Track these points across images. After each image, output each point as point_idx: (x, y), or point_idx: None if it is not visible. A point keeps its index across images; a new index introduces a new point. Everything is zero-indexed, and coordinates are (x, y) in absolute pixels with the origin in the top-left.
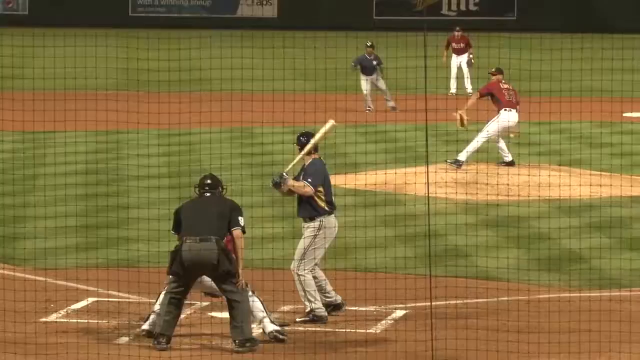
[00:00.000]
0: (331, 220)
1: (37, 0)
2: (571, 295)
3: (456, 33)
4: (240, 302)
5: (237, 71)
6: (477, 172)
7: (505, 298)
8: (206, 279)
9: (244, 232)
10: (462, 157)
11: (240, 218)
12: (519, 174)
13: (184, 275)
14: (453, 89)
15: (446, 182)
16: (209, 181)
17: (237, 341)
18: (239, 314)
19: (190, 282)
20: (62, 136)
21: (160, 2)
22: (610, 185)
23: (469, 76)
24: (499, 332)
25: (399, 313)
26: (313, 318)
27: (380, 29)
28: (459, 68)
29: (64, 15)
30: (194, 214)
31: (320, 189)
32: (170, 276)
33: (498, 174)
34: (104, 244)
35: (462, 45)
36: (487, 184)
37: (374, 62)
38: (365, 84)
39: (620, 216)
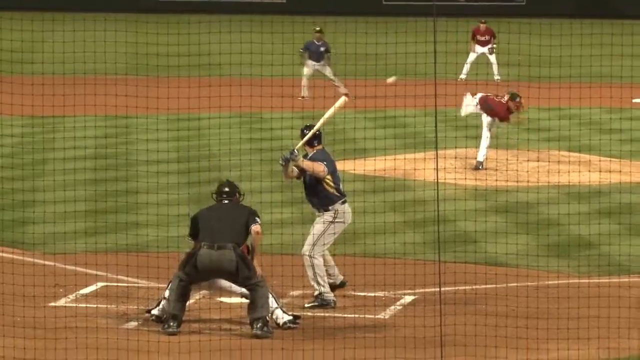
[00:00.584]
0: (345, 208)
1: None
2: (580, 281)
3: (481, 25)
4: (260, 286)
5: (246, 56)
6: (486, 158)
7: (514, 284)
8: (218, 284)
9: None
10: (480, 158)
11: (257, 218)
12: (528, 160)
13: (196, 277)
14: (463, 75)
15: (455, 167)
16: (226, 189)
17: (258, 324)
18: (260, 296)
19: (202, 281)
20: (71, 121)
21: None
22: (620, 171)
23: (496, 63)
24: (508, 318)
25: (408, 299)
26: (321, 302)
27: (389, 14)
28: (480, 56)
29: (74, 0)
30: (212, 221)
31: (329, 176)
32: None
33: (507, 159)
34: (113, 228)
35: (487, 37)
36: (496, 169)
37: (322, 49)
38: (307, 70)
39: (630, 202)
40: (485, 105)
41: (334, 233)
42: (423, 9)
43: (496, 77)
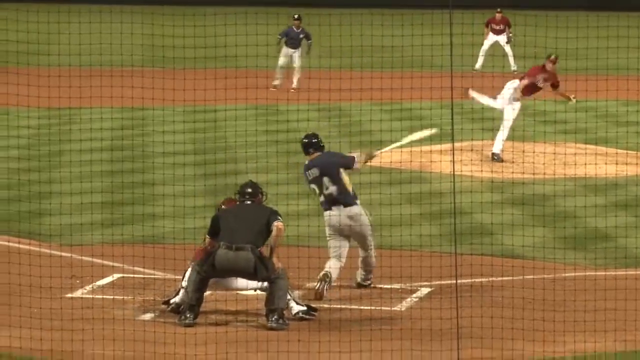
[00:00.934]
0: (329, 213)
1: None
2: (597, 273)
3: (497, 14)
4: (281, 278)
5: (262, 48)
6: (502, 150)
7: (531, 276)
8: (234, 284)
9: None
10: (496, 149)
11: (279, 217)
12: (544, 152)
13: (214, 275)
14: (478, 66)
15: (472, 159)
16: (249, 189)
17: (274, 316)
18: (279, 289)
19: (221, 277)
20: (87, 112)
21: None
22: (637, 163)
23: (511, 54)
24: (524, 310)
25: (424, 291)
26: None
27: (405, 6)
28: (495, 46)
29: None
30: (232, 221)
31: (313, 186)
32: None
33: (524, 151)
34: (129, 220)
35: (502, 26)
36: (512, 162)
37: (301, 36)
38: (283, 59)
39: None
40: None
41: (329, 238)
42: (438, 1)
43: (513, 68)
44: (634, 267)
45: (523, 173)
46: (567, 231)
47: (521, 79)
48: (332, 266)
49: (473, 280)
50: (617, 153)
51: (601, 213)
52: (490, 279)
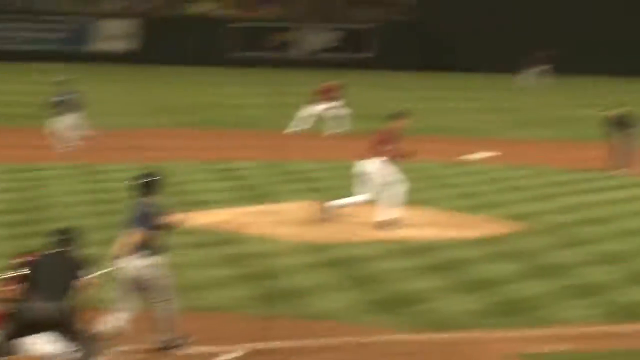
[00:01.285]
0: None
1: None
2: (405, 337)
3: (325, 84)
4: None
5: (92, 106)
6: (320, 213)
7: (343, 338)
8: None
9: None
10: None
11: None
12: (360, 215)
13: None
14: (298, 127)
15: (289, 221)
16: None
17: None
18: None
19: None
20: None
21: (15, 35)
22: (456, 225)
23: (335, 117)
24: None
25: (238, 353)
26: None
27: (234, 64)
28: (325, 111)
29: None
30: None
31: None
32: None
33: (344, 214)
34: None
35: (330, 94)
36: (331, 224)
37: (68, 97)
38: (59, 122)
39: (461, 258)
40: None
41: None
42: (268, 62)
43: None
44: (445, 329)
45: (341, 235)
46: (378, 294)
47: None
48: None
49: (285, 342)
50: (436, 215)
51: (414, 276)
52: (303, 340)
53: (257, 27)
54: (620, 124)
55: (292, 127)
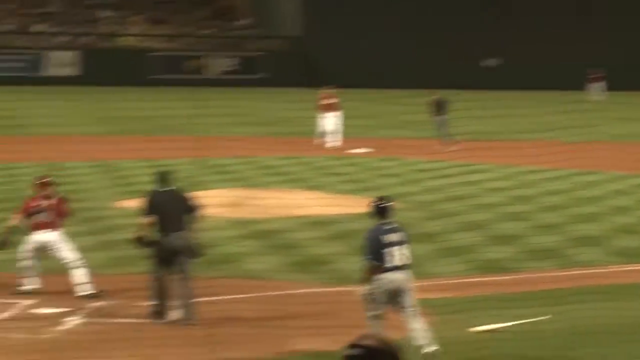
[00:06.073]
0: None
1: None
2: (318, 290)
3: (325, 91)
4: None
5: (48, 118)
6: (241, 196)
7: (269, 293)
8: None
9: None
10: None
11: None
12: (274, 198)
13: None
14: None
15: (218, 204)
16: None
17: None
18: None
19: None
20: None
21: None
22: (347, 205)
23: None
24: (263, 320)
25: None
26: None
27: (155, 84)
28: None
29: None
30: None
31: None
32: None
33: (257, 198)
34: None
35: (332, 101)
36: (249, 205)
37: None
38: None
39: (353, 229)
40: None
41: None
42: (183, 82)
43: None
44: (344, 284)
45: (257, 214)
46: (294, 258)
47: None
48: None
49: (224, 297)
50: (331, 197)
51: (321, 243)
52: (238, 295)
53: (175, 55)
54: (438, 107)
55: (331, 142)
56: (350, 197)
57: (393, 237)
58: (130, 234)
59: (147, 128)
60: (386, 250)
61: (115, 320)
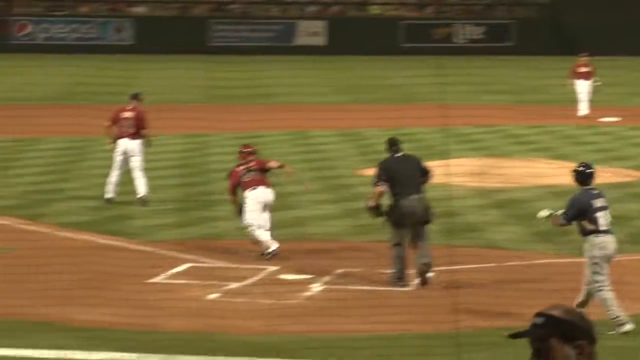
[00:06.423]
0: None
1: (143, 32)
2: (559, 260)
3: (581, 59)
4: None
5: (295, 87)
6: (486, 165)
7: (511, 263)
8: None
9: None
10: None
11: None
12: (519, 167)
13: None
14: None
15: (462, 173)
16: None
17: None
18: None
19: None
20: (160, 139)
21: (232, 34)
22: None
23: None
24: (504, 290)
25: (427, 275)
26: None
27: (405, 53)
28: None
29: (159, 46)
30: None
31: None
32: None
33: (502, 167)
34: (196, 221)
35: (588, 69)
36: (493, 174)
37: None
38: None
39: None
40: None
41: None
42: (433, 50)
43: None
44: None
45: (502, 183)
46: (536, 228)
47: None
48: None
49: (465, 266)
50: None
51: None
52: (478, 265)
53: (423, 24)
54: None
55: (581, 111)
56: (597, 167)
57: (600, 202)
58: (365, 203)
59: (392, 97)
60: (597, 214)
61: (357, 287)
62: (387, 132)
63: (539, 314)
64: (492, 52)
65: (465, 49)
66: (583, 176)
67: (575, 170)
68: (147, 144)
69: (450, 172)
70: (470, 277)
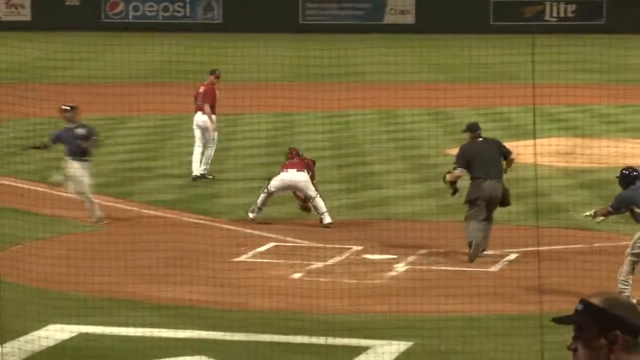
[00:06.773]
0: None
1: (232, 11)
2: None
3: None
4: None
5: (384, 65)
6: (574, 145)
7: (598, 244)
8: None
9: None
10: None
11: None
12: (607, 147)
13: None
14: None
15: (550, 152)
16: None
17: None
18: None
19: None
20: (247, 118)
21: (322, 12)
22: None
23: None
24: (593, 271)
25: (512, 256)
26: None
27: (495, 32)
28: None
29: (248, 24)
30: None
31: None
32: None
33: (591, 146)
34: (281, 200)
35: None
36: (582, 154)
37: (80, 131)
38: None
39: None
40: None
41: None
42: (523, 29)
43: None
44: None
45: (590, 163)
46: None
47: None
48: None
49: (551, 247)
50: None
51: None
52: (565, 246)
53: (516, 0)
54: None
55: None
56: None
57: None
58: (443, 176)
59: (481, 75)
60: None
61: (442, 268)
62: (476, 111)
63: (581, 300)
64: (583, 31)
65: (556, 27)
66: (629, 179)
67: (622, 174)
68: (212, 121)
69: (539, 152)
70: (556, 257)
